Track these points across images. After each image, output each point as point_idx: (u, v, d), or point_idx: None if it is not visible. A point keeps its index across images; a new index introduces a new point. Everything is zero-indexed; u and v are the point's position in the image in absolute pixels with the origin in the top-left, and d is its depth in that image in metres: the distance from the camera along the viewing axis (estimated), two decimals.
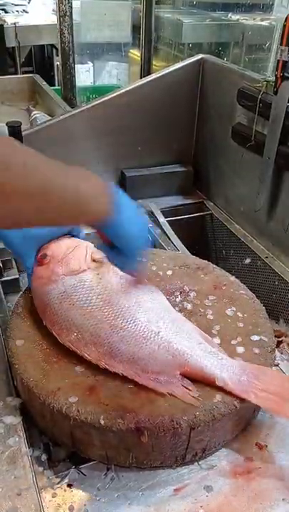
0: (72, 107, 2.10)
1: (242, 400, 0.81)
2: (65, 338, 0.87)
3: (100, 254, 0.98)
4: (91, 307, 0.89)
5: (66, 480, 0.79)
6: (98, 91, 2.84)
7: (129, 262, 0.87)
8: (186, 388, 0.81)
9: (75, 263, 0.95)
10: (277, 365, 1.03)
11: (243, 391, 0.81)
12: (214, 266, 1.16)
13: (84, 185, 0.72)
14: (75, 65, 2.16)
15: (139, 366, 0.83)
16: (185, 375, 0.83)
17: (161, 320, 0.88)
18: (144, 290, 0.94)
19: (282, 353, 1.08)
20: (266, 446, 0.86)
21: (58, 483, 0.79)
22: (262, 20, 3.46)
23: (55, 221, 0.76)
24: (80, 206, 0.72)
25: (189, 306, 1.01)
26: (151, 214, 1.57)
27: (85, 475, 0.81)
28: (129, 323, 0.87)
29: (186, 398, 0.80)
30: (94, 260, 0.97)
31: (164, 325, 0.88)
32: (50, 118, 1.75)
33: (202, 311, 1.00)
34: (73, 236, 1.03)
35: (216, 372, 0.82)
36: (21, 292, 1.04)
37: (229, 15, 3.59)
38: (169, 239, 1.45)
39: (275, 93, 1.22)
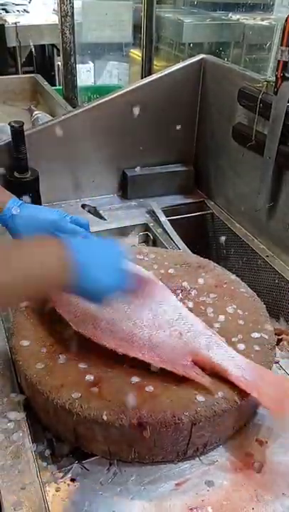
0: (73, 107, 2.11)
1: (244, 395, 0.82)
2: (81, 327, 0.89)
3: None
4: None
5: (69, 475, 0.81)
6: (99, 91, 2.85)
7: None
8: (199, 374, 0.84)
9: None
10: (277, 362, 1.04)
11: (247, 385, 0.83)
12: (215, 264, 1.17)
13: (33, 266, 0.72)
14: (76, 65, 2.17)
15: (154, 353, 0.85)
16: (195, 364, 0.85)
17: (173, 311, 0.91)
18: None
19: (282, 351, 1.09)
20: (266, 442, 0.87)
21: (62, 477, 0.80)
22: (262, 20, 3.47)
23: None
24: (38, 286, 0.74)
25: (190, 304, 1.02)
26: (152, 213, 1.58)
27: (87, 470, 0.82)
28: (143, 312, 0.89)
29: (200, 380, 0.82)
30: None
31: (175, 315, 0.90)
32: (51, 118, 1.76)
33: (203, 308, 1.02)
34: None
35: (224, 363, 0.85)
36: None
37: (230, 15, 3.60)
38: (171, 238, 1.46)
39: (276, 93, 1.23)
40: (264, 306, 1.04)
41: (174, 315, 0.91)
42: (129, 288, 0.82)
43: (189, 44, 3.46)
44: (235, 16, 3.57)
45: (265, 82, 1.31)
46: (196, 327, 0.90)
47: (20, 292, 0.74)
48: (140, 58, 2.28)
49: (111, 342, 0.86)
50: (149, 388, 0.82)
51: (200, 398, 0.81)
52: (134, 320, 0.89)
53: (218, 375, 0.84)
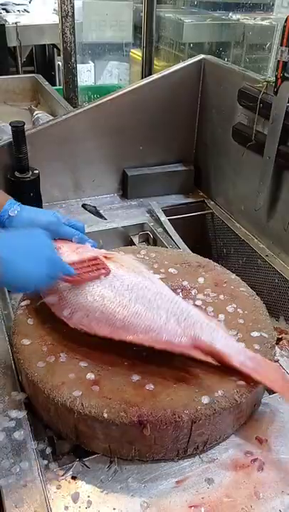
0: (74, 107, 2.12)
1: (248, 380, 0.84)
2: (76, 321, 0.89)
3: (106, 251, 1.01)
4: (100, 288, 0.91)
5: (70, 472, 0.81)
6: (100, 91, 2.86)
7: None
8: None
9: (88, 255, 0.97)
10: (277, 361, 1.04)
11: (250, 369, 0.84)
12: (215, 264, 1.17)
13: None
14: (77, 65, 2.17)
15: (152, 338, 0.85)
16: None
17: (168, 299, 0.91)
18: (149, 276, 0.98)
19: (282, 350, 1.10)
20: (266, 440, 0.88)
21: (63, 475, 0.81)
22: (262, 20, 3.47)
23: None
24: None
25: (190, 303, 1.03)
26: (152, 213, 1.59)
27: (88, 467, 0.82)
28: (139, 300, 0.89)
29: (202, 357, 0.83)
30: (105, 257, 0.99)
31: (170, 303, 0.90)
32: (52, 118, 1.76)
33: (203, 307, 1.02)
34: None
35: (225, 348, 0.85)
36: None
37: (230, 15, 3.61)
38: (171, 237, 1.46)
39: (276, 93, 1.23)
40: (264, 305, 1.05)
41: (171, 303, 0.90)
42: (63, 274, 0.86)
43: (189, 44, 3.46)
44: (235, 16, 3.57)
45: (265, 82, 1.31)
46: (193, 313, 0.90)
47: None
48: (140, 58, 2.29)
49: (106, 330, 0.86)
50: (150, 386, 0.83)
51: (200, 396, 0.82)
52: (128, 307, 0.88)
53: (219, 361, 0.85)
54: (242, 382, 0.85)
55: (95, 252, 0.99)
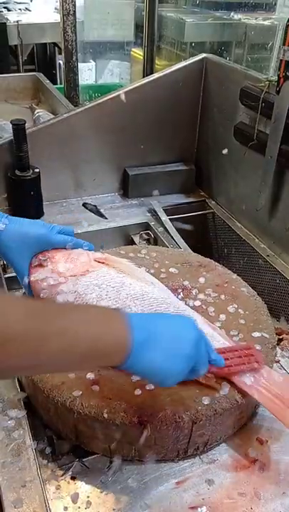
0: (75, 106, 2.11)
1: (244, 396, 0.82)
2: None
3: (100, 254, 0.99)
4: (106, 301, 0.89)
5: (70, 472, 0.81)
6: (101, 90, 2.85)
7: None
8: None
9: (80, 265, 0.96)
10: (277, 361, 1.04)
11: (248, 386, 0.83)
12: (216, 263, 1.17)
13: (98, 334, 0.63)
14: (78, 64, 2.17)
15: None
16: None
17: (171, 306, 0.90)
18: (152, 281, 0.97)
19: (282, 350, 1.09)
20: (267, 441, 0.87)
21: (62, 475, 0.80)
22: (264, 19, 3.46)
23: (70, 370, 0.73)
24: (92, 359, 0.65)
25: (191, 303, 1.02)
26: (153, 212, 1.58)
27: (88, 468, 0.82)
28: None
29: (208, 381, 0.82)
30: (97, 261, 0.98)
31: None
32: (53, 116, 1.76)
33: (204, 307, 1.02)
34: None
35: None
36: None
37: (232, 14, 3.60)
38: (172, 237, 1.46)
39: (278, 93, 1.23)
40: (265, 305, 1.05)
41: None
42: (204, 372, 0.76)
43: (191, 43, 3.46)
44: (237, 16, 3.57)
45: (268, 82, 1.31)
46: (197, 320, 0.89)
47: (73, 360, 0.63)
48: (142, 57, 2.28)
49: None
50: (150, 386, 0.82)
51: (201, 397, 0.81)
52: None
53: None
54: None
55: (86, 255, 0.97)
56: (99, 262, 0.97)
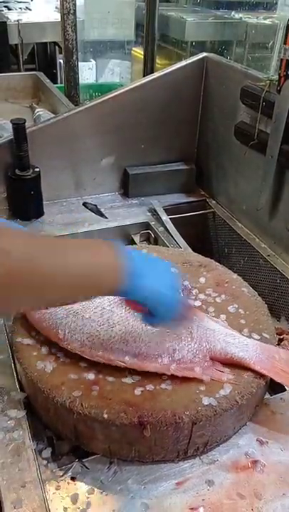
0: (75, 105, 2.11)
1: (263, 377, 0.85)
2: (91, 354, 0.86)
3: None
4: (107, 317, 0.90)
5: (69, 473, 0.80)
6: (101, 89, 2.85)
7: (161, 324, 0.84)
8: (220, 371, 0.86)
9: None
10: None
11: (267, 370, 0.86)
12: (216, 263, 1.17)
13: (90, 260, 0.69)
14: (78, 63, 2.17)
15: (171, 359, 0.85)
16: (214, 359, 0.87)
17: None
18: None
19: None
20: (267, 442, 0.87)
21: (62, 476, 0.80)
22: (265, 18, 3.46)
23: (67, 300, 0.76)
24: (90, 284, 0.70)
25: (191, 303, 1.02)
26: (154, 211, 1.58)
27: (88, 468, 0.82)
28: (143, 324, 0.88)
29: (222, 378, 0.84)
30: None
31: None
32: (53, 115, 1.75)
33: (204, 307, 1.01)
34: None
35: (240, 353, 0.87)
36: None
37: (232, 13, 3.60)
38: (172, 236, 1.45)
39: (279, 92, 1.22)
40: (265, 305, 1.04)
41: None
42: (181, 313, 0.81)
43: (192, 42, 3.46)
44: (237, 15, 3.57)
45: (268, 81, 1.30)
46: (204, 323, 0.91)
47: (72, 291, 0.69)
48: (142, 56, 2.28)
49: (130, 361, 0.85)
50: (150, 387, 0.82)
51: (201, 397, 0.81)
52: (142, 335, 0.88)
53: (235, 364, 0.87)
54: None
55: None
56: None
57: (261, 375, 0.86)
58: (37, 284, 0.63)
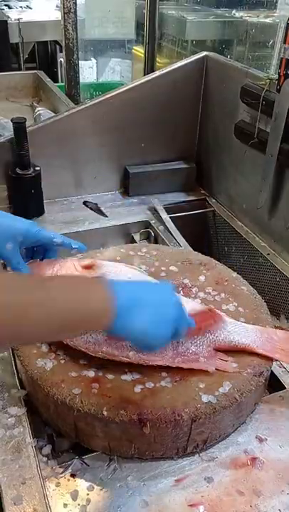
0: (76, 104, 2.11)
1: (269, 360, 0.88)
2: (95, 350, 0.86)
3: (88, 261, 0.99)
4: None
5: (69, 470, 0.81)
6: (101, 88, 2.85)
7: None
8: (224, 360, 0.88)
9: (66, 273, 0.95)
10: (276, 360, 1.04)
11: (269, 351, 0.89)
12: (216, 262, 1.17)
13: (79, 301, 0.65)
14: (79, 62, 2.17)
15: (175, 351, 0.86)
16: (218, 349, 0.89)
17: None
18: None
19: None
20: (266, 439, 0.87)
21: (62, 473, 0.80)
22: (265, 17, 3.45)
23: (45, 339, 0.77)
24: (72, 322, 0.67)
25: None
26: (154, 210, 1.58)
27: (88, 465, 0.82)
28: None
29: (230, 369, 0.86)
30: (85, 267, 0.98)
31: None
32: (54, 114, 1.76)
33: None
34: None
35: (243, 340, 0.89)
36: None
37: (233, 12, 3.59)
38: (172, 235, 1.46)
39: (278, 91, 1.22)
40: (265, 303, 1.05)
41: None
42: (184, 335, 0.81)
43: (192, 41, 3.45)
44: (238, 14, 3.56)
45: (268, 80, 1.30)
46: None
47: (54, 329, 0.65)
48: (143, 55, 2.28)
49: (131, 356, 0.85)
50: (150, 384, 0.83)
51: (200, 395, 0.81)
52: None
53: (238, 351, 0.89)
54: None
55: (71, 263, 0.97)
56: (86, 268, 0.97)
57: (265, 357, 0.89)
58: (11, 319, 0.59)
